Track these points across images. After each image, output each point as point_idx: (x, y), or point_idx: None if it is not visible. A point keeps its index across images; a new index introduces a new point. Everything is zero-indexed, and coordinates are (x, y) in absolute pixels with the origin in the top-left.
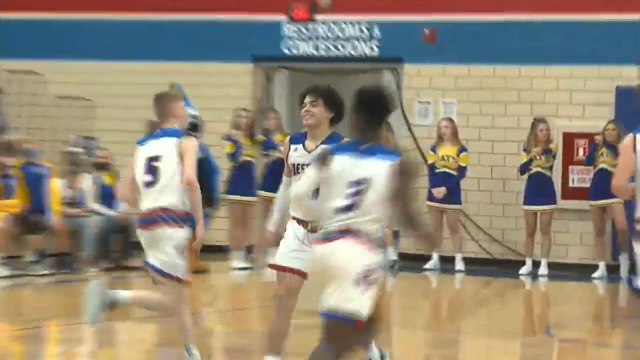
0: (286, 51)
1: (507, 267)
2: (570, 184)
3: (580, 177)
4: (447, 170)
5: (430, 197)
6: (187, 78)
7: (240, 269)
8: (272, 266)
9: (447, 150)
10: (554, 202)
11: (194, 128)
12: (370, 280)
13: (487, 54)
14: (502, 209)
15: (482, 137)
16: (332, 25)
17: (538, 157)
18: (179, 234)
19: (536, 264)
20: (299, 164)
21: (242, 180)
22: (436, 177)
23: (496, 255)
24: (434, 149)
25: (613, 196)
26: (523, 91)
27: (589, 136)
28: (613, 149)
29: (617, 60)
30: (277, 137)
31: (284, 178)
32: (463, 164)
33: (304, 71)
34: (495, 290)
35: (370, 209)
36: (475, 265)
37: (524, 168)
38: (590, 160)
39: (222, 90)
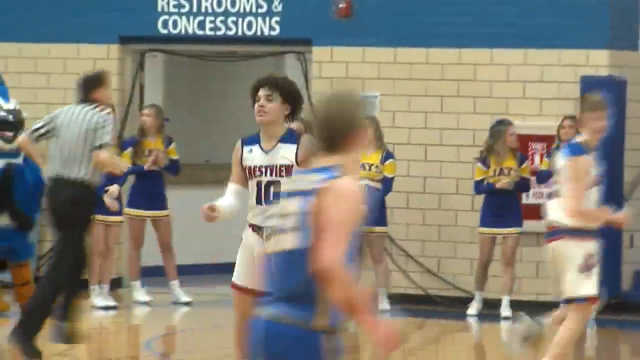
0: (162, 30)
1: (444, 306)
2: (525, 200)
3: (537, 191)
4: (368, 182)
5: None
6: (28, 64)
7: (102, 308)
8: (233, 286)
9: (369, 157)
10: (520, 225)
11: (6, 125)
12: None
13: (419, 34)
14: (438, 232)
15: (412, 140)
16: None
17: (508, 183)
18: None
19: (486, 303)
20: (255, 167)
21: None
22: None
23: (430, 291)
24: None
25: None
26: (464, 82)
27: (549, 139)
28: None
29: (583, 43)
30: (153, 142)
31: (230, 185)
32: (389, 175)
33: (184, 55)
34: (431, 336)
35: None
36: (403, 304)
37: (481, 188)
38: (545, 174)
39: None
